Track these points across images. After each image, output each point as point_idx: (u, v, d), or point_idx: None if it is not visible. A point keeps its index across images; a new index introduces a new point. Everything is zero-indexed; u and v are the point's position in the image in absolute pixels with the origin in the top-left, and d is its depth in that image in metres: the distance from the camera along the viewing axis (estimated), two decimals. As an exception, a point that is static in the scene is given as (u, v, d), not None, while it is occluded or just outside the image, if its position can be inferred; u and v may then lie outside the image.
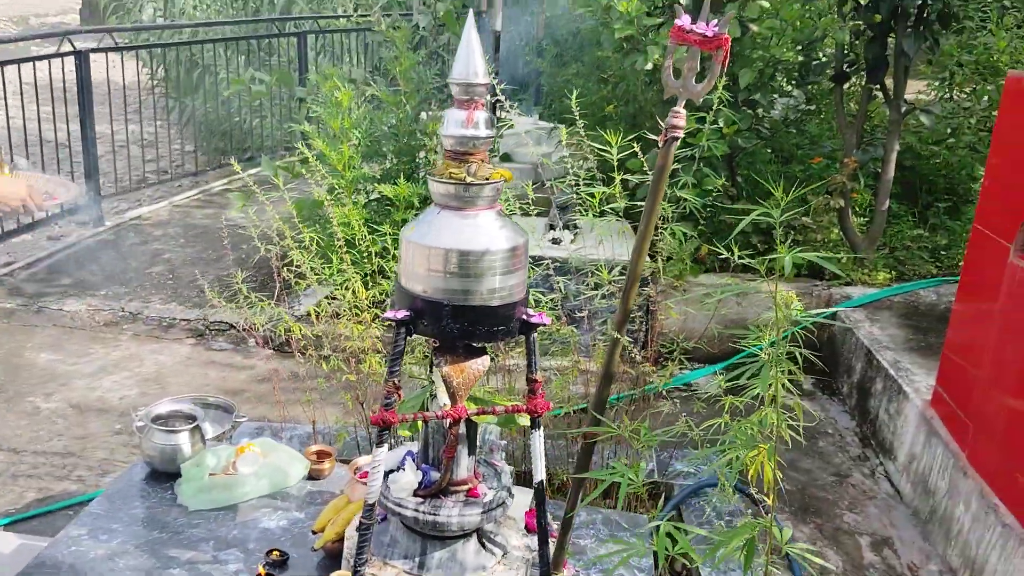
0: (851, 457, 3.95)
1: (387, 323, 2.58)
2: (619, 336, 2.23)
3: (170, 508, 2.55)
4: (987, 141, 5.47)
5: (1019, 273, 2.97)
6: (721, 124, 4.29)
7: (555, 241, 4.70)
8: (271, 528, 2.50)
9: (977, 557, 3.01)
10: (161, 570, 2.28)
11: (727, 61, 2.04)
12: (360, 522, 2.06)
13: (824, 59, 4.65)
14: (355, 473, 2.55)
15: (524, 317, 2.04)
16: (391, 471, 2.19)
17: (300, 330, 3.24)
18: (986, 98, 4.98)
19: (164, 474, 2.69)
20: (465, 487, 2.16)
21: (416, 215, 2.15)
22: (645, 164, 3.40)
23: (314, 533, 2.40)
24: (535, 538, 2.33)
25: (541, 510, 2.18)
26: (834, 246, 4.85)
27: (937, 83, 5.09)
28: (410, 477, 2.13)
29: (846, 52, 4.36)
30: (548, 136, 8.07)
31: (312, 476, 2.75)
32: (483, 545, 2.21)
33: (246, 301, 3.29)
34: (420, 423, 2.16)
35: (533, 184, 3.28)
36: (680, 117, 2.10)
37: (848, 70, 4.47)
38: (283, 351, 4.88)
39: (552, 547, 2.25)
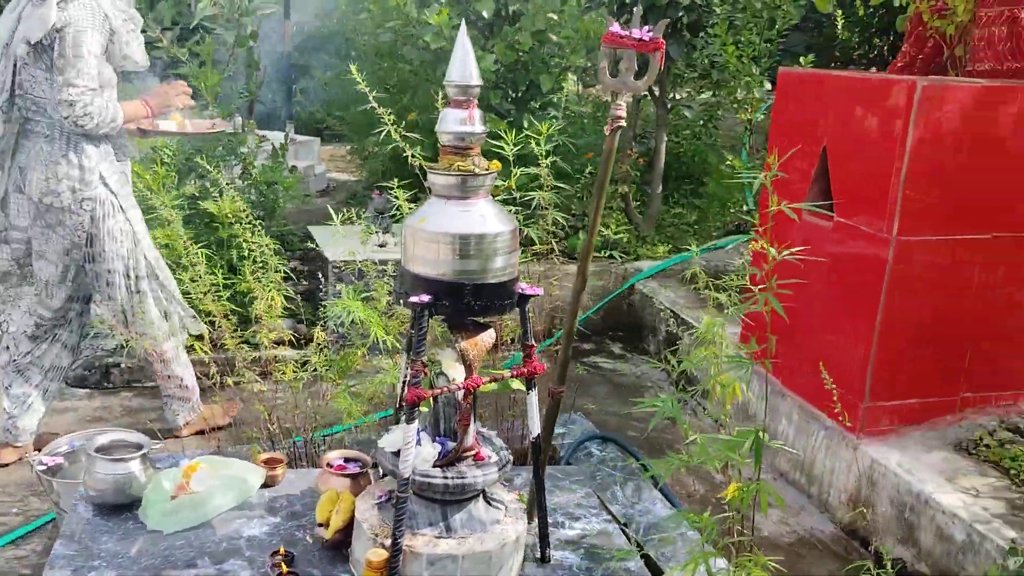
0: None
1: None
2: (577, 302, 2.57)
3: (142, 535, 2.45)
4: (711, 133, 6.50)
5: (805, 226, 3.72)
6: (525, 125, 4.75)
7: (381, 245, 4.89)
8: (256, 535, 2.51)
9: (805, 459, 3.73)
10: (173, 591, 2.23)
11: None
12: (397, 497, 2.21)
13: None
14: (327, 466, 2.64)
15: (520, 291, 2.31)
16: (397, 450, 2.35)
17: (200, 349, 3.17)
18: (710, 94, 5.93)
19: (111, 508, 2.57)
20: (471, 452, 2.37)
21: (415, 209, 2.33)
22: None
23: (320, 526, 2.46)
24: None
25: (537, 460, 2.46)
26: (617, 227, 5.51)
27: (687, 85, 5.98)
28: (429, 450, 2.30)
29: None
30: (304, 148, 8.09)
31: (266, 484, 2.76)
32: (488, 503, 2.44)
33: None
34: (431, 399, 2.34)
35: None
36: (622, 109, 2.48)
37: (621, 73, 5.12)
38: (103, 387, 4.57)
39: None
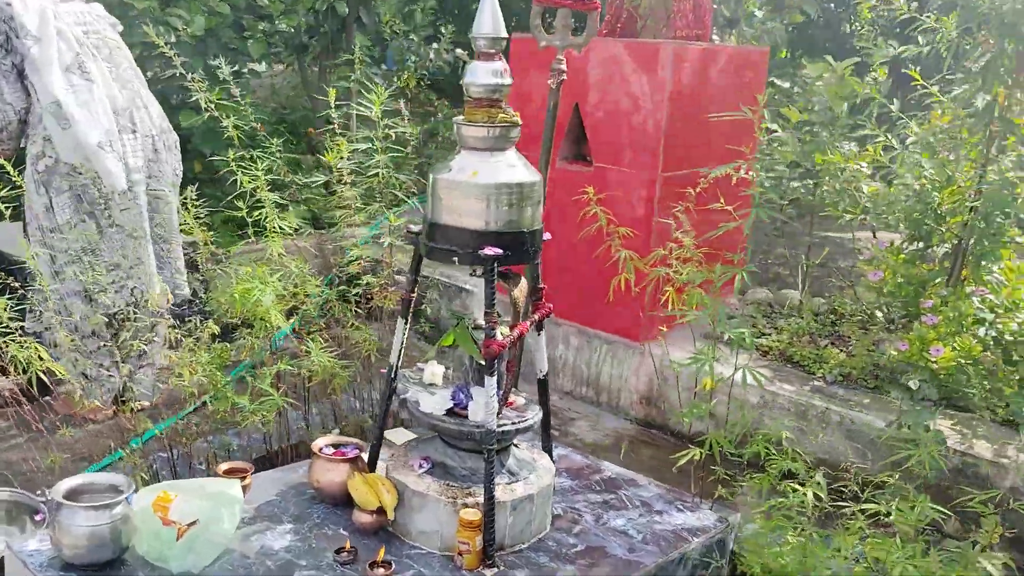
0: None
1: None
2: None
3: (176, 581, 2.05)
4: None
5: (563, 173, 4.24)
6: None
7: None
8: (290, 545, 2.24)
9: (590, 374, 4.30)
10: (278, 617, 1.95)
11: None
12: (485, 451, 2.22)
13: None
14: (319, 452, 2.45)
15: (540, 237, 2.44)
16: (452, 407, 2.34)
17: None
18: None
19: (100, 565, 2.07)
20: (506, 399, 2.45)
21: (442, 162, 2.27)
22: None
23: (375, 512, 2.29)
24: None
25: (544, 397, 2.62)
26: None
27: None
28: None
29: (315, 26, 4.93)
30: None
31: (238, 495, 2.44)
32: (516, 446, 2.54)
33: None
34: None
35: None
36: (563, 63, 2.70)
37: (308, 42, 5.04)
38: None
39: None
